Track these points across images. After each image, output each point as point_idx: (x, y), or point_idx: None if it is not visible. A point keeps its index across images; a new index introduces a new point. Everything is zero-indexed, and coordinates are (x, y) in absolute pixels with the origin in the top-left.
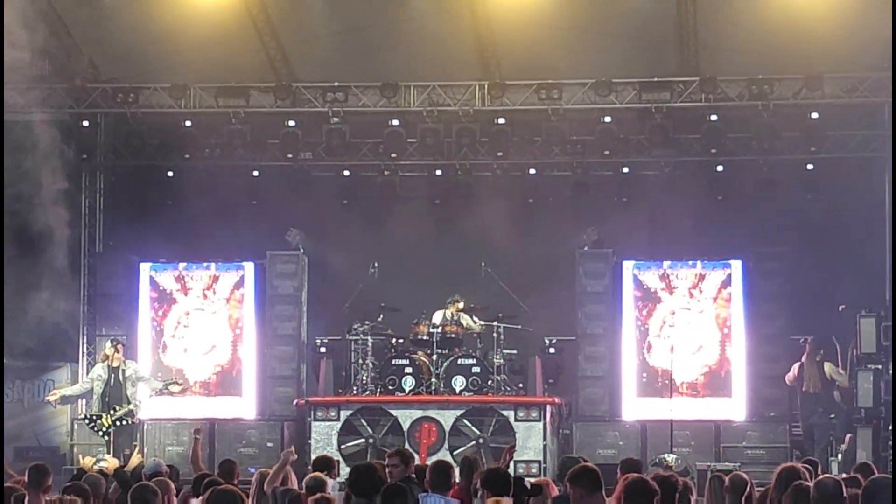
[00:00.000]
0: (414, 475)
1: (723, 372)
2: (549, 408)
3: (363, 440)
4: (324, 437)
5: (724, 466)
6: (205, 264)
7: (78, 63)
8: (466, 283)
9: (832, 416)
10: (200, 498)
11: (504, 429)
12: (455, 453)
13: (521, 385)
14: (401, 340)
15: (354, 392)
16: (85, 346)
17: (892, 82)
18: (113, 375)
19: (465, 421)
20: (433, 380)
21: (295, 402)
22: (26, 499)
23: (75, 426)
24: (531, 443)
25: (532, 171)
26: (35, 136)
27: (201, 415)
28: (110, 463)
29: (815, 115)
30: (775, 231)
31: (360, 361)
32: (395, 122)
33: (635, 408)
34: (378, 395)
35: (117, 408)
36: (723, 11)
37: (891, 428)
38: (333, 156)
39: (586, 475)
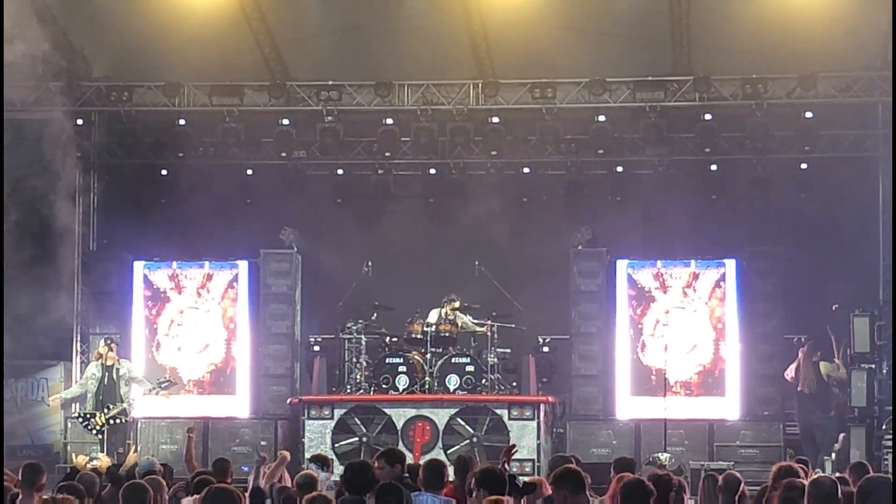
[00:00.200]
0: (407, 474)
1: (716, 371)
2: (542, 407)
3: (357, 439)
4: (317, 436)
5: (718, 465)
6: (199, 263)
7: (72, 61)
8: (460, 281)
9: (831, 412)
10: (192, 497)
11: (498, 428)
12: (449, 452)
13: (514, 384)
14: (395, 339)
15: (348, 391)
16: (79, 344)
17: (892, 82)
18: (107, 374)
19: (459, 420)
20: (427, 378)
21: (289, 400)
22: (20, 497)
23: (69, 424)
24: (525, 442)
25: (526, 169)
26: (28, 135)
27: (195, 413)
28: (103, 461)
29: (808, 115)
30: (769, 230)
31: (354, 360)
32: (389, 121)
33: (629, 407)
34: (372, 393)
35: (111, 406)
36: (717, 11)
37: (890, 425)
38: (327, 154)
39: (570, 477)
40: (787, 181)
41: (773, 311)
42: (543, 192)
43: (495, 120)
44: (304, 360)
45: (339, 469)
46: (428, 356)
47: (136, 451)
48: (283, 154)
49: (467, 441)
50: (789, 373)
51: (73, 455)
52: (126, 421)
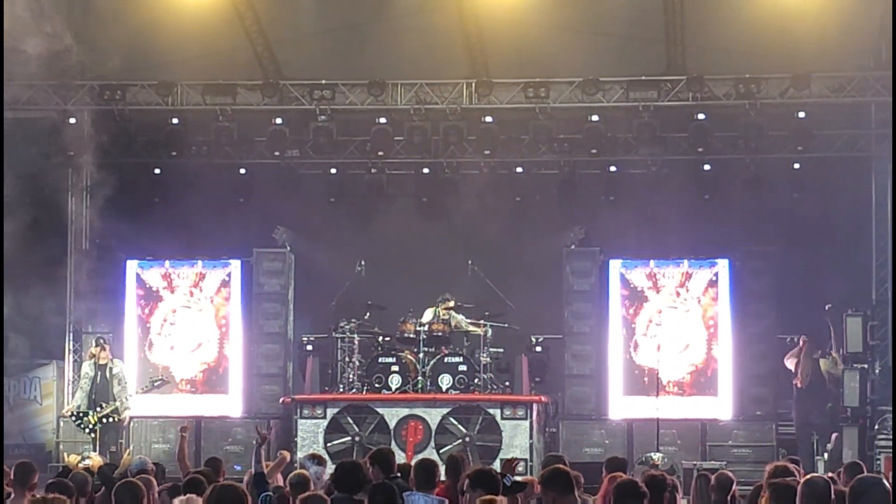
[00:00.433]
0: (399, 474)
1: (709, 371)
2: (535, 406)
3: (349, 438)
4: (310, 435)
5: (711, 465)
6: (191, 262)
7: (65, 60)
8: (453, 281)
9: (830, 405)
10: (184, 497)
11: (490, 427)
12: (441, 451)
13: (507, 383)
14: (387, 338)
15: (341, 390)
16: (71, 343)
17: (892, 81)
18: (99, 373)
19: (452, 419)
20: (420, 378)
21: (281, 399)
22: (12, 496)
23: (61, 423)
24: (517, 441)
25: (519, 169)
26: (22, 134)
27: (188, 412)
28: (95, 461)
29: (802, 115)
30: (762, 230)
31: (347, 359)
32: (383, 120)
33: (622, 406)
34: (364, 393)
35: (103, 405)
36: (710, 11)
37: (883, 424)
38: (321, 154)
39: (559, 478)
40: (780, 181)
41: (765, 310)
42: (537, 191)
43: (489, 119)
44: (297, 359)
45: (331, 469)
46: (421, 355)
47: (129, 452)
48: (277, 153)
49: (460, 441)
50: (789, 363)
51: (65, 454)
52: (118, 420)
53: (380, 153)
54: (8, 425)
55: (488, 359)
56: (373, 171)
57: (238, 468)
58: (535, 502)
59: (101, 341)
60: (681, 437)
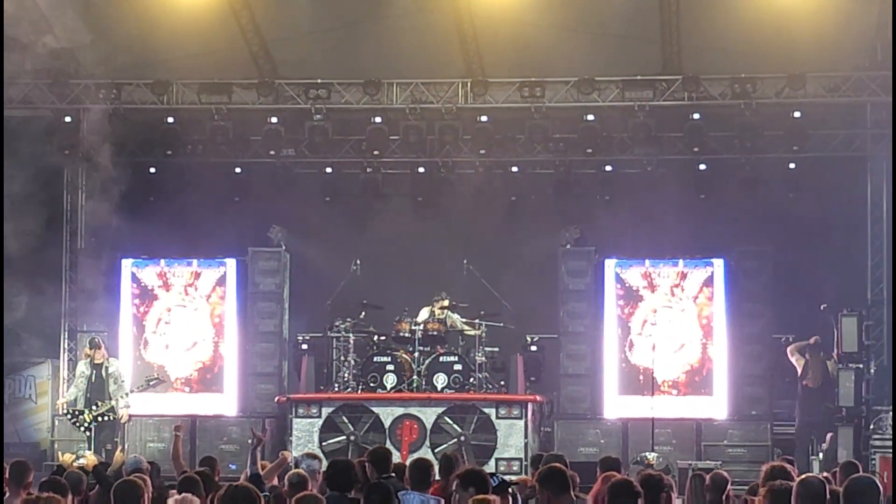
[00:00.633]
0: (394, 474)
1: (704, 370)
2: (530, 406)
3: (344, 437)
4: (305, 435)
5: (706, 465)
6: (187, 261)
7: (61, 58)
8: (448, 280)
9: (826, 405)
10: (179, 496)
11: (486, 427)
12: (436, 451)
13: (502, 383)
14: (383, 338)
15: (336, 389)
16: (66, 341)
17: (892, 81)
18: (95, 372)
19: (447, 418)
20: (415, 377)
21: (276, 399)
22: (6, 495)
23: (56, 422)
24: (512, 441)
25: (515, 168)
26: (17, 132)
27: (183, 411)
28: (90, 460)
29: (797, 114)
30: (757, 230)
31: (342, 358)
32: (378, 120)
33: (617, 406)
34: (360, 392)
35: (99, 403)
36: (706, 10)
37: (878, 424)
38: (316, 153)
39: (555, 477)
40: (775, 181)
41: (761, 310)
42: (532, 190)
43: (484, 119)
44: (292, 358)
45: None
46: (416, 355)
47: (122, 450)
48: (272, 152)
49: (455, 440)
50: (794, 358)
51: (60, 453)
52: (114, 418)
53: (375, 152)
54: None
55: (483, 358)
56: (368, 170)
57: (233, 467)
58: (533, 502)
59: (97, 341)
60: (676, 436)
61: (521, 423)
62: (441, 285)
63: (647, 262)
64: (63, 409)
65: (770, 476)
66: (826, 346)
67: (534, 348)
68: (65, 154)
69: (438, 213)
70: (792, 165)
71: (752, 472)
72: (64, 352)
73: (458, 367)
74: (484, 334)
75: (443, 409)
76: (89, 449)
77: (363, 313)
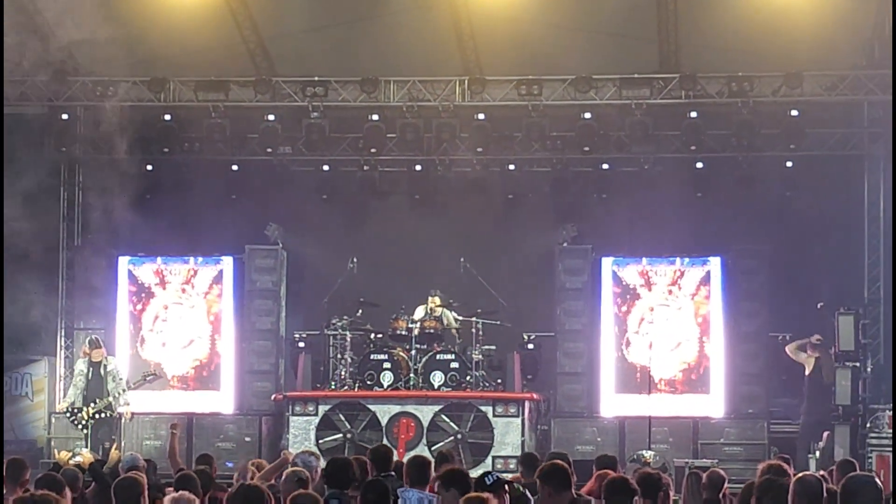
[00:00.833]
0: (392, 472)
1: (701, 369)
2: (527, 404)
3: (341, 435)
4: (302, 432)
5: (702, 463)
6: (183, 258)
7: (57, 56)
8: (445, 278)
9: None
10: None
11: (482, 424)
12: (433, 449)
13: (499, 381)
14: (379, 335)
15: (333, 387)
16: (63, 339)
17: (892, 80)
18: (93, 370)
19: (444, 416)
20: (412, 375)
21: (273, 396)
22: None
23: (52, 420)
24: (509, 439)
25: (511, 166)
26: (13, 129)
27: (179, 409)
28: (86, 457)
29: (794, 113)
30: (754, 228)
31: (339, 356)
32: (375, 117)
33: (614, 404)
34: (356, 390)
35: (97, 401)
36: (703, 9)
37: (875, 423)
38: (313, 150)
39: (557, 474)
40: (772, 179)
41: (758, 309)
42: (529, 189)
43: (481, 116)
44: (289, 356)
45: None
46: (413, 353)
47: (117, 447)
48: (269, 150)
49: (452, 438)
50: (795, 354)
51: (56, 451)
52: (111, 415)
53: (372, 150)
54: None
55: (480, 356)
56: (365, 168)
57: (230, 465)
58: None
59: (95, 340)
60: (672, 434)
61: (518, 421)
62: (438, 283)
63: (644, 260)
64: (65, 409)
65: (766, 475)
66: (821, 345)
67: (531, 346)
68: (61, 151)
69: (435, 210)
70: (789, 164)
71: (748, 470)
72: (60, 349)
73: (454, 365)
74: (481, 332)
75: (439, 407)
76: (87, 446)
77: (360, 311)
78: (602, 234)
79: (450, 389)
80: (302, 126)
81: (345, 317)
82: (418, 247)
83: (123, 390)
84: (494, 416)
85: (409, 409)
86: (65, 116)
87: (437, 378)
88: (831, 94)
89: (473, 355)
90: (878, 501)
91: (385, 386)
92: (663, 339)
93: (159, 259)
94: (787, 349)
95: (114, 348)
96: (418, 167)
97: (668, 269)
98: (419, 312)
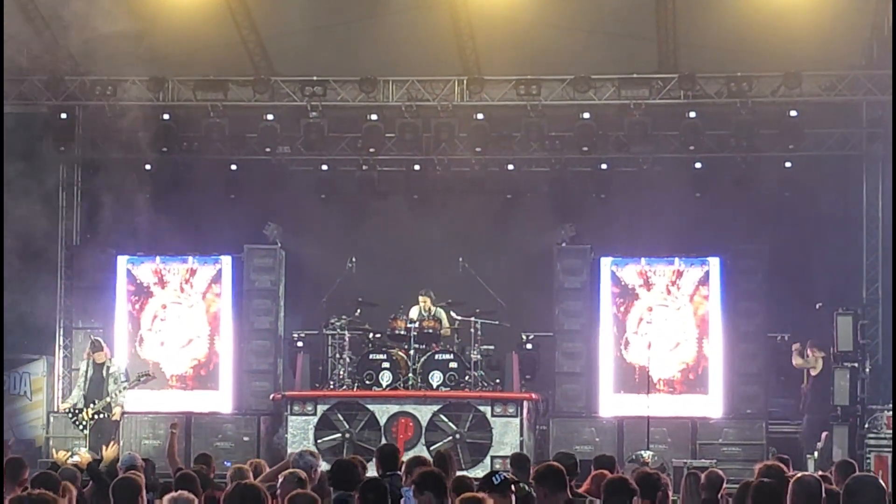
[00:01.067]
0: (399, 471)
1: (700, 369)
2: (526, 403)
3: (340, 435)
4: (300, 432)
5: (701, 463)
6: (182, 258)
7: (56, 55)
8: (444, 278)
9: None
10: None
11: (481, 424)
12: (432, 448)
13: (498, 381)
14: (378, 335)
15: (331, 387)
16: (61, 338)
17: (891, 81)
18: (95, 371)
19: (442, 416)
20: (410, 375)
21: (271, 396)
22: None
23: (51, 419)
24: (508, 438)
25: (510, 166)
26: (12, 129)
27: (178, 408)
28: (84, 457)
29: (793, 113)
30: (753, 228)
31: (338, 356)
32: (374, 117)
33: (612, 404)
34: (355, 389)
35: (96, 401)
36: (702, 9)
37: (873, 423)
38: (312, 150)
39: (552, 475)
40: (771, 179)
41: (756, 309)
42: (528, 188)
43: (480, 116)
44: (288, 355)
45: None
46: (411, 352)
47: (111, 446)
48: (268, 149)
49: (450, 437)
50: (812, 359)
51: (54, 450)
52: (110, 416)
53: (371, 150)
54: None
55: (479, 356)
56: (364, 167)
57: (228, 465)
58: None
59: (97, 343)
60: (671, 435)
61: (517, 420)
62: (436, 283)
63: (642, 260)
64: (67, 409)
65: (762, 476)
66: (825, 344)
67: (529, 346)
68: (60, 151)
69: (434, 210)
70: (788, 164)
71: (747, 470)
72: (59, 349)
73: (453, 364)
74: (479, 332)
75: (438, 406)
76: (87, 447)
77: (359, 311)
78: (601, 234)
79: (448, 389)
80: (301, 126)
81: (343, 316)
82: (417, 246)
83: (120, 391)
84: (493, 415)
85: (408, 408)
86: (64, 116)
87: (436, 378)
88: (830, 94)
89: (472, 355)
90: (880, 502)
91: (384, 386)
92: (662, 339)
93: (158, 258)
94: (795, 364)
95: (112, 348)
96: (417, 167)
97: (666, 269)
98: (413, 313)
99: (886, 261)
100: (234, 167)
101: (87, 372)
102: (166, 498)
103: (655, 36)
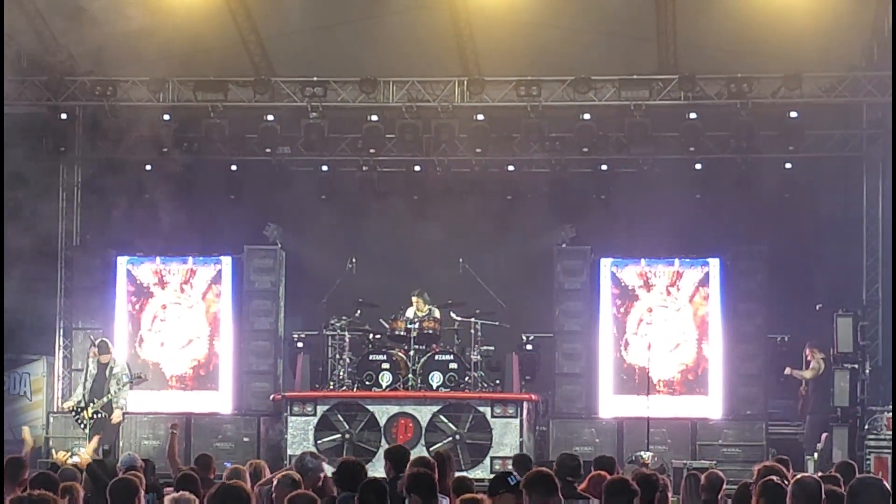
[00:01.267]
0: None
1: (700, 370)
2: (525, 404)
3: (339, 436)
4: (300, 433)
5: (700, 464)
6: (182, 258)
7: (56, 55)
8: (444, 279)
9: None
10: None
11: (481, 425)
12: (431, 449)
13: (498, 381)
14: (378, 336)
15: (331, 387)
16: (61, 339)
17: (891, 82)
18: (99, 370)
19: (442, 417)
20: (410, 375)
21: (271, 397)
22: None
23: (51, 419)
24: (507, 439)
25: (510, 167)
26: (12, 129)
27: (178, 409)
28: (83, 457)
29: (793, 114)
30: (753, 229)
31: (337, 357)
32: (374, 118)
33: (612, 405)
34: (355, 390)
35: (96, 401)
36: (702, 10)
37: (873, 424)
38: (312, 151)
39: (542, 481)
40: (771, 181)
41: (756, 310)
42: (528, 189)
43: (480, 117)
44: (288, 356)
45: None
46: (411, 353)
47: (98, 440)
48: (268, 150)
49: (450, 438)
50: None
51: (54, 451)
52: (108, 416)
53: (371, 151)
54: None
55: (479, 357)
56: (364, 168)
57: (228, 465)
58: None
59: (104, 344)
60: (671, 436)
61: (517, 421)
62: (436, 284)
63: (642, 261)
64: (70, 407)
65: (763, 476)
66: (825, 345)
67: (529, 347)
68: (60, 151)
69: (434, 211)
70: (788, 165)
71: (746, 471)
72: (59, 349)
73: (453, 365)
74: (479, 333)
75: (438, 407)
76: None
77: (359, 311)
78: (601, 235)
79: (448, 390)
80: (301, 126)
81: (343, 317)
82: (417, 247)
83: (120, 389)
84: (493, 416)
85: (408, 409)
86: (64, 116)
87: (436, 378)
88: (830, 95)
89: (472, 356)
90: (884, 502)
91: (384, 386)
92: (662, 340)
93: (158, 259)
94: (808, 377)
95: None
96: (417, 168)
97: (666, 270)
98: (409, 313)
99: (886, 262)
100: (234, 168)
101: (92, 372)
102: (168, 498)
103: (656, 37)
